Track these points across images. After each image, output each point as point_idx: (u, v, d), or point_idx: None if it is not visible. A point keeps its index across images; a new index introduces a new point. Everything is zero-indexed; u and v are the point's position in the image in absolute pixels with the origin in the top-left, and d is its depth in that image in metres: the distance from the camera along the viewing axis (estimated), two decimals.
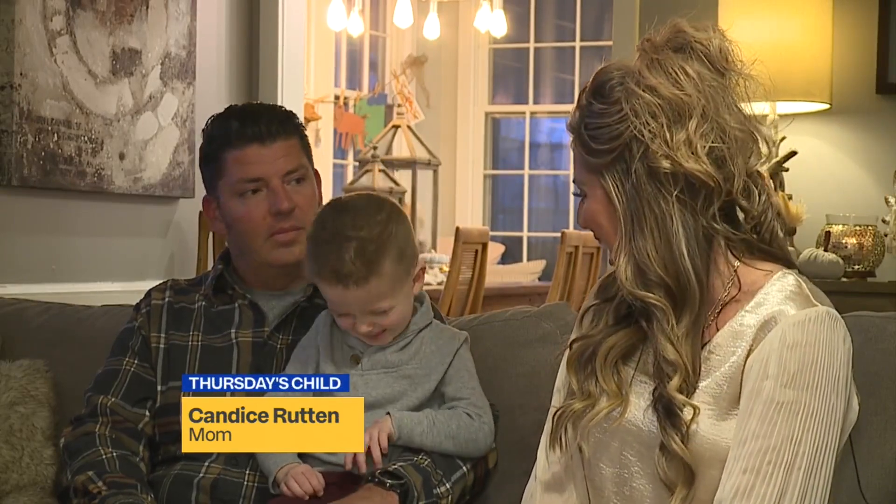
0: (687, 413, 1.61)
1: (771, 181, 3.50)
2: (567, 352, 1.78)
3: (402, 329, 2.02)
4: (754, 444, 1.57)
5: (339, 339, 2.04)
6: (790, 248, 3.65)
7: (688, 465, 1.60)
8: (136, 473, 2.06)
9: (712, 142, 1.61)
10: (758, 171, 1.70)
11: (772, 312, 1.61)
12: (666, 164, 1.60)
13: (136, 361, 2.18)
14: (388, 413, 1.95)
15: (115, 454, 2.08)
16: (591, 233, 1.76)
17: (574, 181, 1.71)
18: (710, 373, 1.64)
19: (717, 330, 1.66)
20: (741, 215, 1.69)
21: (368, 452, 1.92)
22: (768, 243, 1.69)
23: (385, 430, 1.92)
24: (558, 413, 1.74)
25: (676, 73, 1.63)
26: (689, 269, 1.62)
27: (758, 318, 1.62)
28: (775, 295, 1.63)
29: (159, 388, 2.16)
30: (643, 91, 1.62)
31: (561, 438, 1.75)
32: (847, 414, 1.63)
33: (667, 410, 1.62)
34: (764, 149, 1.68)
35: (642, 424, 1.67)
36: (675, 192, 1.61)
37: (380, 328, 1.98)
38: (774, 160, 3.67)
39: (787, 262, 1.69)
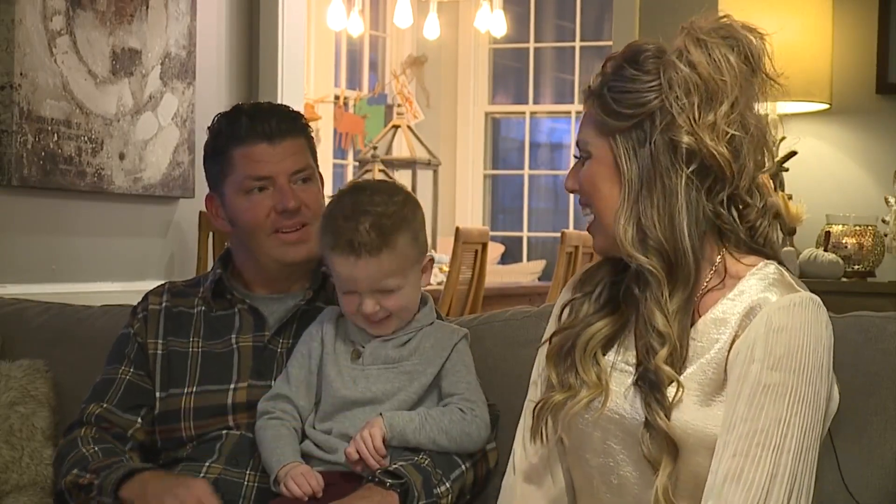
0: (671, 389, 1.63)
1: (771, 183, 3.51)
2: (546, 345, 1.80)
3: (406, 319, 2.02)
4: (743, 427, 1.59)
5: (343, 334, 2.04)
6: (790, 248, 3.65)
7: (672, 441, 1.62)
8: (118, 454, 2.07)
9: (734, 131, 1.65)
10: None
11: (755, 300, 1.64)
12: (688, 139, 1.63)
13: (131, 370, 2.17)
14: (381, 413, 1.95)
15: (96, 448, 2.09)
16: (586, 232, 1.78)
17: (578, 142, 1.72)
18: (694, 359, 1.66)
19: (699, 317, 1.69)
20: (735, 214, 1.71)
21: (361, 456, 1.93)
22: (761, 246, 1.72)
23: (377, 431, 1.93)
24: (539, 406, 1.77)
25: (719, 58, 1.65)
26: (687, 248, 1.65)
27: (741, 305, 1.65)
28: (756, 284, 1.66)
29: (158, 394, 2.15)
30: (684, 65, 1.65)
31: (542, 431, 1.76)
32: (829, 402, 1.65)
33: (651, 385, 1.64)
34: (768, 162, 1.71)
35: (625, 412, 1.69)
36: (688, 171, 1.64)
37: (384, 312, 1.98)
38: (775, 160, 3.67)
39: (770, 257, 1.72)
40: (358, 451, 1.92)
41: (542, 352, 1.85)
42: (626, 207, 1.65)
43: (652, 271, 1.64)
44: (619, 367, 1.73)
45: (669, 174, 1.64)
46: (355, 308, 1.99)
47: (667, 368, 1.63)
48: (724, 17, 1.70)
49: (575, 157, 1.74)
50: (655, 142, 1.64)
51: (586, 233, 1.80)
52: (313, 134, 2.26)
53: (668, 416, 1.62)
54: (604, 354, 1.73)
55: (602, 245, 1.73)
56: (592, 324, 1.74)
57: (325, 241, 1.99)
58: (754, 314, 1.63)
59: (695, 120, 1.63)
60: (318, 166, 2.22)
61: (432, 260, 2.07)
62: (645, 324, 1.65)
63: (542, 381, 1.82)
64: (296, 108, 2.25)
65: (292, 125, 2.16)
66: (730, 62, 1.65)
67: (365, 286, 1.97)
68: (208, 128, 2.22)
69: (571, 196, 8.54)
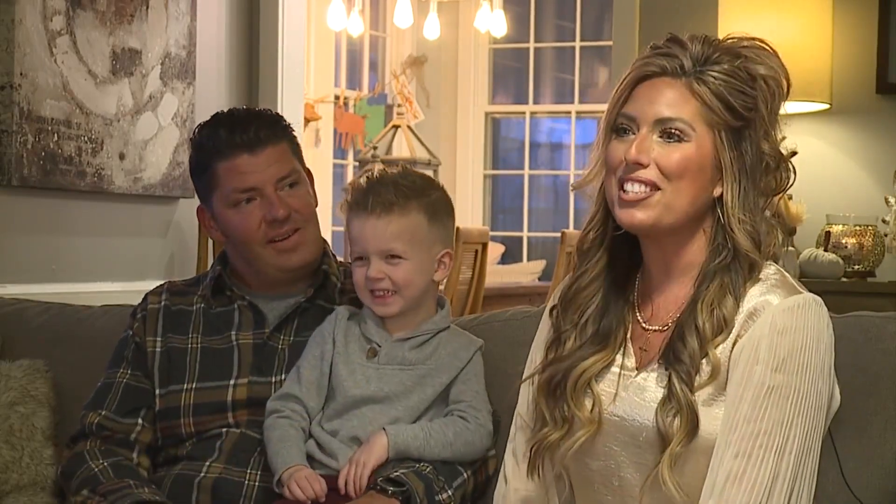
0: (704, 372, 1.64)
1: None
2: (530, 381, 1.81)
3: (411, 303, 2.01)
4: (745, 428, 1.60)
5: (357, 333, 2.04)
6: (790, 249, 3.65)
7: (694, 412, 1.62)
8: (129, 475, 2.06)
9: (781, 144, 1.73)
10: None
11: (757, 303, 1.66)
12: (766, 147, 1.70)
13: (129, 372, 2.17)
14: (384, 429, 1.94)
15: (106, 463, 2.08)
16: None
17: (674, 121, 1.69)
18: None
19: None
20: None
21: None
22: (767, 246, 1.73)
23: (374, 458, 1.92)
24: (534, 447, 1.77)
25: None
26: (762, 243, 1.68)
27: (742, 308, 1.66)
28: (757, 286, 1.68)
29: (158, 391, 2.15)
30: (772, 75, 1.71)
31: (539, 469, 1.78)
32: (830, 401, 1.66)
33: (681, 363, 1.64)
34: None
35: (625, 414, 1.69)
36: (767, 176, 1.70)
37: (388, 286, 1.98)
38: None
39: (766, 258, 1.74)
40: (352, 463, 1.92)
41: (526, 387, 1.86)
42: (735, 198, 1.68)
43: (755, 259, 1.67)
44: (616, 372, 1.74)
45: (757, 176, 1.69)
46: (363, 277, 1.99)
47: (716, 354, 1.64)
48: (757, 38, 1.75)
49: (625, 129, 1.71)
50: (755, 147, 1.69)
51: None
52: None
53: (692, 392, 1.63)
54: (598, 380, 1.74)
55: (655, 221, 1.69)
56: (585, 358, 1.74)
57: (345, 204, 2.03)
58: (756, 316, 1.64)
59: (772, 127, 1.71)
60: (304, 167, 2.20)
61: (451, 256, 2.06)
62: (709, 308, 1.66)
63: (531, 416, 1.83)
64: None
65: (272, 131, 2.14)
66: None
67: (373, 246, 1.98)
68: (190, 139, 2.20)
69: (571, 196, 8.59)
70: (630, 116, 1.70)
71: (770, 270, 1.69)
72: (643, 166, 1.67)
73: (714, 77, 1.68)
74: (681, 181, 1.67)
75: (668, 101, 1.69)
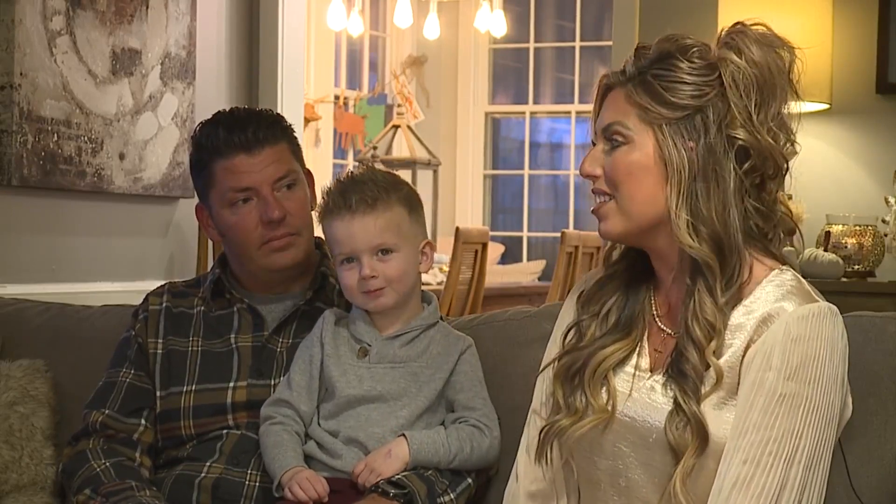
0: (709, 381, 1.62)
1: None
2: (547, 371, 1.81)
3: (403, 297, 2.01)
4: (755, 435, 1.59)
5: (346, 334, 2.04)
6: (790, 248, 3.65)
7: (702, 425, 1.61)
8: (131, 475, 2.06)
9: (781, 132, 1.67)
10: None
11: (772, 308, 1.64)
12: (745, 135, 1.64)
13: (132, 371, 2.17)
14: (405, 436, 1.94)
15: (108, 463, 2.08)
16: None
17: (606, 127, 1.69)
18: None
19: None
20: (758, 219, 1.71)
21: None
22: (775, 246, 1.72)
23: (391, 470, 1.91)
24: (544, 430, 1.76)
25: (775, 60, 1.68)
26: (737, 243, 1.65)
27: (756, 312, 1.65)
28: (773, 291, 1.66)
29: (159, 393, 2.15)
30: (745, 63, 1.65)
31: (547, 455, 1.77)
32: (843, 410, 1.65)
33: (685, 376, 1.63)
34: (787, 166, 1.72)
35: (636, 415, 1.69)
36: (739, 167, 1.65)
37: (381, 282, 1.98)
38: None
39: (783, 262, 1.72)
40: (367, 466, 1.92)
41: (542, 379, 1.86)
42: (680, 197, 1.65)
43: (707, 261, 1.64)
44: (630, 372, 1.73)
45: (723, 168, 1.65)
46: (355, 279, 1.99)
47: (716, 362, 1.63)
48: (761, 23, 1.72)
49: (592, 142, 1.73)
50: (711, 136, 1.64)
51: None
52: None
53: (699, 403, 1.62)
54: (615, 372, 1.73)
55: (619, 230, 1.70)
56: (605, 346, 1.74)
57: (323, 210, 2.01)
58: (771, 322, 1.63)
59: (751, 117, 1.65)
60: (304, 168, 2.20)
61: (432, 246, 2.07)
62: (694, 315, 1.64)
63: (546, 407, 1.82)
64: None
65: (271, 132, 2.13)
66: (780, 66, 1.68)
67: (362, 243, 1.97)
68: (191, 137, 2.21)
69: (571, 196, 8.60)
70: (595, 131, 1.73)
71: (786, 276, 1.67)
72: (596, 177, 1.70)
73: (652, 75, 1.67)
74: (627, 186, 1.67)
75: (610, 108, 1.70)
